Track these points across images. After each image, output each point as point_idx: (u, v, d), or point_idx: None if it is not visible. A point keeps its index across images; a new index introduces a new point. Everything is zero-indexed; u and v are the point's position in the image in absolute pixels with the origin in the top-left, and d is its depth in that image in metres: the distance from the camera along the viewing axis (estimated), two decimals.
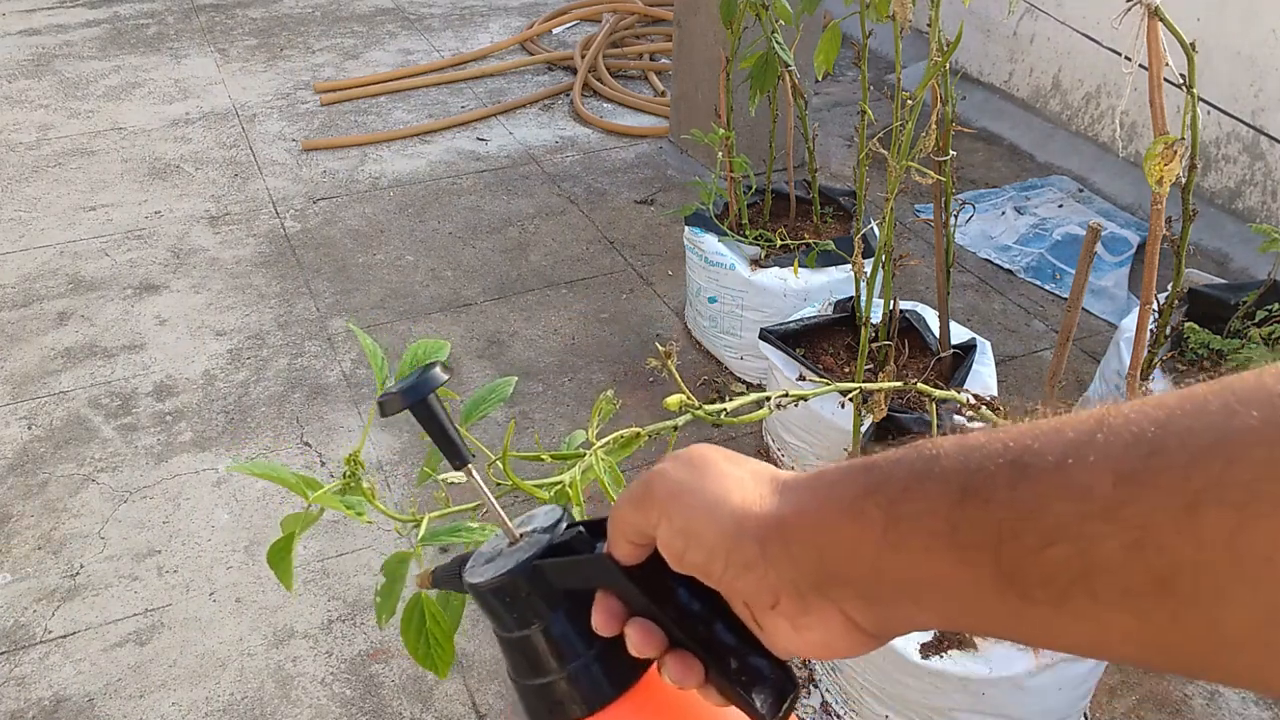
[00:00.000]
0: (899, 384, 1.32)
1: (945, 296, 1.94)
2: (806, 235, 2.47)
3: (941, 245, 1.84)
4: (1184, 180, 1.54)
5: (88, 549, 2.06)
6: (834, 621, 0.42)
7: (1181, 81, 1.30)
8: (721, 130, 2.30)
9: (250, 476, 2.24)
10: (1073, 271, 1.98)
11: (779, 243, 2.40)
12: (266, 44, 4.54)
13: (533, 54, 4.40)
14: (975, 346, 2.03)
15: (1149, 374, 1.84)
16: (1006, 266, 2.98)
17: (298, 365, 2.59)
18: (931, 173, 1.57)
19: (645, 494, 0.45)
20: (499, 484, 0.77)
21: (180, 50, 4.47)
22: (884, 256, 1.77)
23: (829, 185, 2.62)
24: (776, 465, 0.57)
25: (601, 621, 0.48)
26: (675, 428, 0.91)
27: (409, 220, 3.23)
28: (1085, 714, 1.72)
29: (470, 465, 0.54)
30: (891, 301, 1.96)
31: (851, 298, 2.16)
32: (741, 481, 0.44)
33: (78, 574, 2.01)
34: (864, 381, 1.72)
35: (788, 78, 2.24)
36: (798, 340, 2.13)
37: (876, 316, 2.03)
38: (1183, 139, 1.18)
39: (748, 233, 2.43)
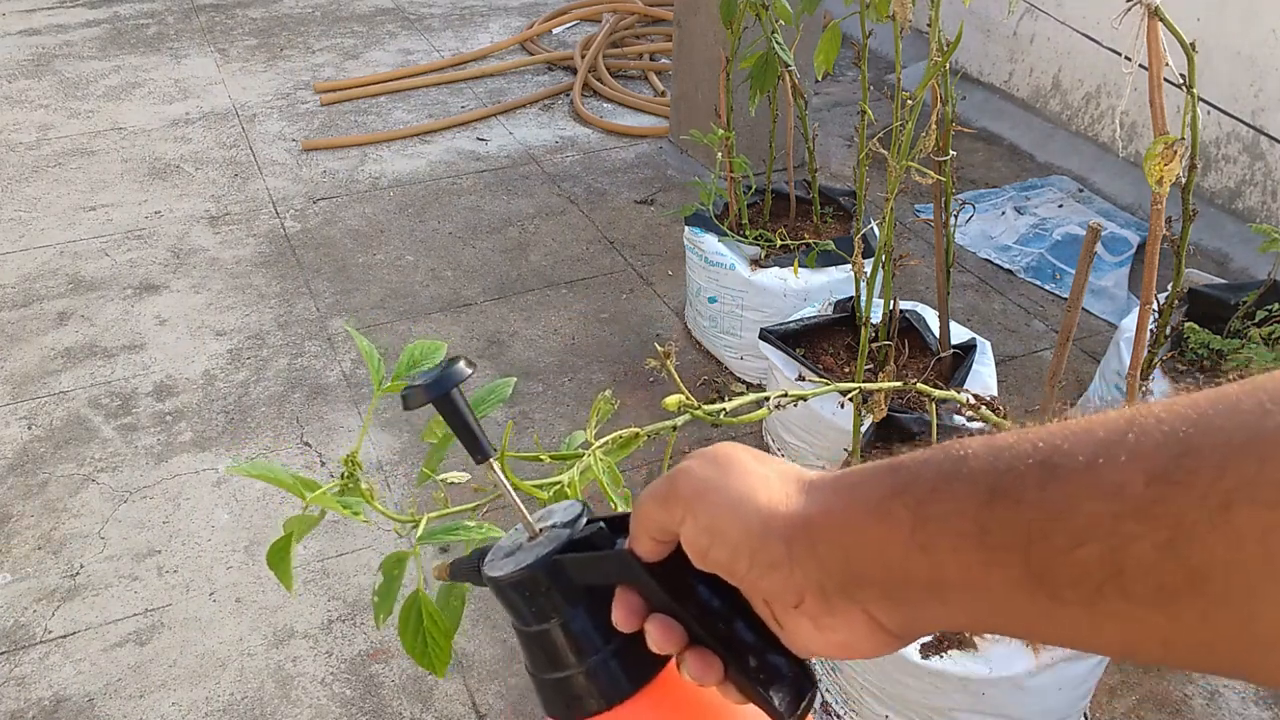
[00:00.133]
0: (899, 384, 1.32)
1: (945, 296, 1.94)
2: (806, 235, 2.47)
3: (941, 245, 1.84)
4: (1184, 180, 1.54)
5: (88, 549, 2.06)
6: (857, 622, 0.42)
7: (1181, 81, 1.30)
8: (721, 130, 2.30)
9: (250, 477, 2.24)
10: (1073, 271, 1.98)
11: (779, 243, 2.40)
12: (266, 44, 4.54)
13: (533, 54, 4.40)
14: (975, 346, 2.03)
15: (1149, 374, 1.84)
16: (1006, 266, 2.98)
17: (298, 365, 2.59)
18: (931, 173, 1.57)
19: (670, 491, 0.45)
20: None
21: (180, 50, 4.47)
22: (884, 256, 1.77)
23: (829, 185, 2.61)
24: None
25: (621, 617, 0.48)
26: (674, 428, 0.90)
27: (409, 220, 3.23)
28: (1085, 714, 1.72)
29: (492, 460, 0.54)
30: (891, 301, 1.96)
31: (851, 298, 2.16)
32: (767, 480, 0.44)
33: (78, 574, 2.01)
34: (864, 381, 1.72)
35: (788, 78, 2.24)
36: (798, 340, 2.13)
37: (876, 316, 2.03)
38: (1183, 139, 1.18)
39: (748, 233, 2.43)
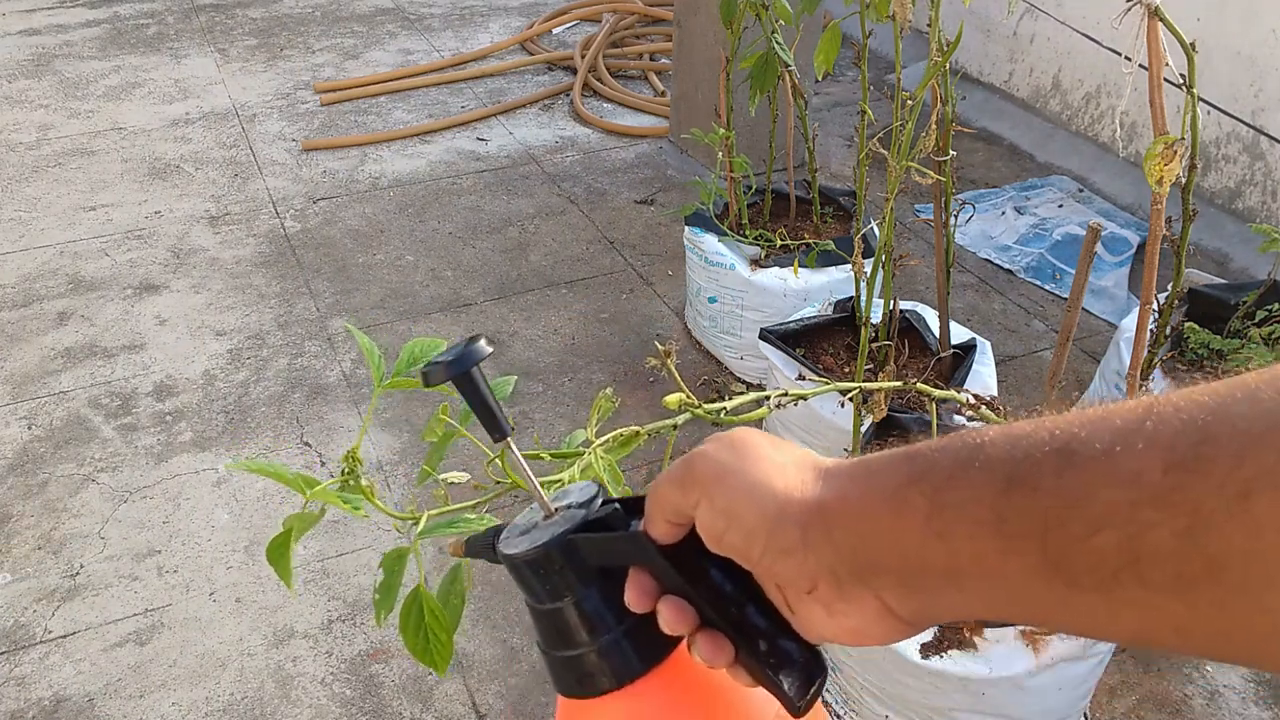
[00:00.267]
0: (899, 384, 1.32)
1: (945, 296, 1.94)
2: (806, 235, 2.47)
3: (941, 245, 1.84)
4: (1184, 180, 1.54)
5: (88, 549, 2.06)
6: (870, 608, 0.42)
7: (1181, 81, 1.30)
8: (721, 130, 2.30)
9: (250, 476, 2.24)
10: (1073, 271, 1.98)
11: (779, 243, 2.40)
12: (266, 44, 4.54)
13: (533, 54, 4.40)
14: (975, 346, 2.03)
15: (1149, 374, 1.84)
16: (1006, 266, 2.98)
17: (298, 365, 2.59)
18: (931, 173, 1.57)
19: (687, 474, 0.46)
20: (497, 481, 0.76)
21: (180, 50, 4.47)
22: (884, 256, 1.77)
23: (829, 185, 2.61)
24: None
25: (634, 598, 0.48)
26: (675, 426, 0.90)
27: (409, 220, 3.23)
28: (1085, 714, 1.72)
29: (509, 439, 0.55)
30: (891, 301, 1.96)
31: (851, 298, 2.16)
32: (784, 467, 0.44)
33: (78, 574, 2.01)
34: (864, 381, 1.72)
35: (788, 78, 2.24)
36: (798, 340, 2.13)
37: (876, 316, 2.03)
38: (1183, 139, 1.18)
39: (748, 233, 2.43)
